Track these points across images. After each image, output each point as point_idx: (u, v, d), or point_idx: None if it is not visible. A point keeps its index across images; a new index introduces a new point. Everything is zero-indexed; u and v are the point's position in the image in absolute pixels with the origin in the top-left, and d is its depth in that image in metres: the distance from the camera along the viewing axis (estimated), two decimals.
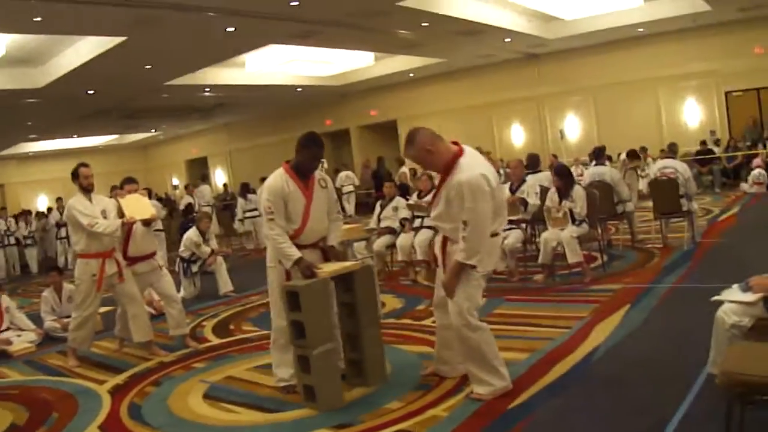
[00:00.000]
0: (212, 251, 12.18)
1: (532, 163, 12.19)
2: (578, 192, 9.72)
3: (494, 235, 5.52)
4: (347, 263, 6.18)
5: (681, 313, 7.32)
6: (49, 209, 25.97)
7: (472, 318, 5.40)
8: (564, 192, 9.75)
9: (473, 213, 5.26)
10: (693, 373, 5.24)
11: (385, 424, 5.20)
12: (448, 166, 5.47)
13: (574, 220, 9.57)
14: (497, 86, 25.45)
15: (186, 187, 27.55)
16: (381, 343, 6.28)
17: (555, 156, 22.57)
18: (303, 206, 6.00)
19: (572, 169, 17.76)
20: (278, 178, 6.01)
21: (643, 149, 20.01)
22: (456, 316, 5.40)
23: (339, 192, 26.37)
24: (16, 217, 23.19)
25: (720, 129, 22.01)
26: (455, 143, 5.59)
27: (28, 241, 21.46)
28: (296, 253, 5.82)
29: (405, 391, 5.81)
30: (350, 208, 26.15)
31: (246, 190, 19.66)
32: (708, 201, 16.84)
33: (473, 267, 5.35)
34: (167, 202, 27.18)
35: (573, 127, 24.56)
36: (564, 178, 9.90)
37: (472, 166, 5.39)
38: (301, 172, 6.05)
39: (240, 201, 19.54)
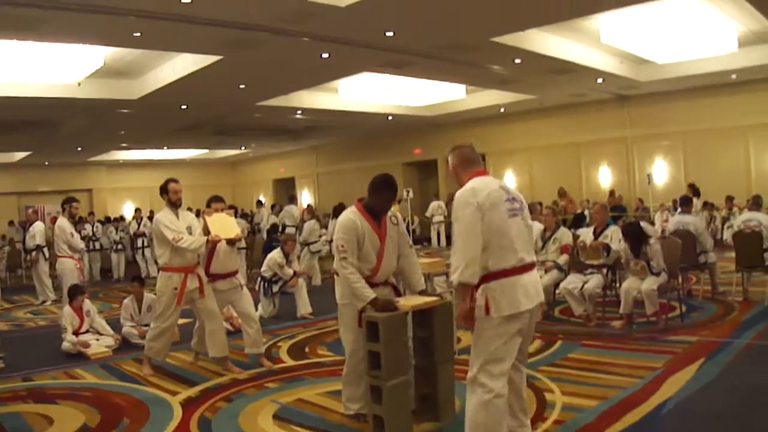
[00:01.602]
0: (294, 273, 12.32)
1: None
2: (653, 247, 9.60)
3: (508, 273, 4.81)
4: (428, 298, 6.15)
5: (756, 370, 7.20)
6: (121, 217, 26.32)
7: (483, 375, 4.76)
8: (635, 250, 9.67)
9: (456, 223, 4.87)
10: None
11: None
12: None
13: (652, 272, 9.50)
14: (587, 126, 25.26)
15: (272, 207, 27.83)
16: (453, 379, 6.26)
17: (641, 200, 22.45)
18: (377, 246, 6.03)
19: (657, 215, 17.72)
20: (352, 215, 6.03)
21: (730, 198, 19.77)
22: (470, 368, 4.89)
23: (429, 221, 26.52)
24: (102, 222, 23.64)
25: None
26: (481, 172, 5.14)
27: (119, 246, 21.61)
28: (371, 294, 5.79)
29: None
30: (435, 237, 26.26)
31: (340, 212, 19.42)
32: None
33: (464, 286, 4.73)
34: (251, 219, 27.50)
35: (661, 172, 24.21)
36: (631, 237, 9.75)
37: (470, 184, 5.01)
38: (374, 213, 6.08)
39: (332, 222, 19.51)
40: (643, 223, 10.72)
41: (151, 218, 19.26)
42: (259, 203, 28.43)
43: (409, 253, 6.36)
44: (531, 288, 4.87)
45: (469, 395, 4.80)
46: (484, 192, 4.84)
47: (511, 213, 4.91)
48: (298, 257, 14.13)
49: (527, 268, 4.90)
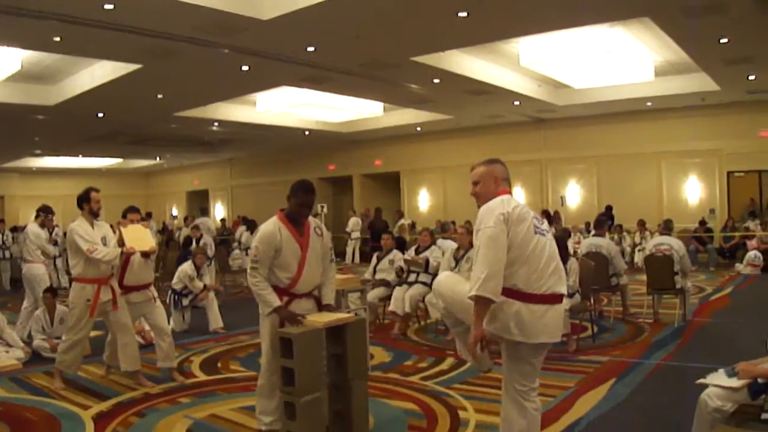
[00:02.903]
0: (205, 286, 12.21)
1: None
2: (572, 265, 9.73)
3: (527, 298, 4.85)
4: (341, 315, 6.16)
5: (666, 391, 7.36)
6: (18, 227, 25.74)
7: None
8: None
9: (480, 233, 4.60)
10: None
11: None
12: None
13: (567, 292, 9.60)
14: (502, 147, 25.34)
15: (185, 219, 27.53)
16: (367, 396, 6.27)
17: (546, 211, 22.63)
18: (298, 255, 5.98)
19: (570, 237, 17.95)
20: (272, 226, 5.98)
21: (642, 222, 20.19)
22: None
23: (348, 236, 26.50)
24: (12, 230, 23.04)
25: (720, 208, 22.14)
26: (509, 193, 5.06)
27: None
28: (276, 301, 5.82)
29: None
30: (350, 253, 26.27)
31: (254, 225, 19.42)
32: (702, 279, 16.88)
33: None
34: (164, 231, 27.15)
35: (574, 194, 24.70)
36: (561, 250, 9.86)
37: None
38: (294, 220, 6.04)
39: (246, 234, 19.47)
40: None
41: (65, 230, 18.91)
42: (149, 215, 27.85)
43: (328, 267, 6.33)
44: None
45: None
46: (512, 204, 4.77)
47: (538, 231, 4.81)
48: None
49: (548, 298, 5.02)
